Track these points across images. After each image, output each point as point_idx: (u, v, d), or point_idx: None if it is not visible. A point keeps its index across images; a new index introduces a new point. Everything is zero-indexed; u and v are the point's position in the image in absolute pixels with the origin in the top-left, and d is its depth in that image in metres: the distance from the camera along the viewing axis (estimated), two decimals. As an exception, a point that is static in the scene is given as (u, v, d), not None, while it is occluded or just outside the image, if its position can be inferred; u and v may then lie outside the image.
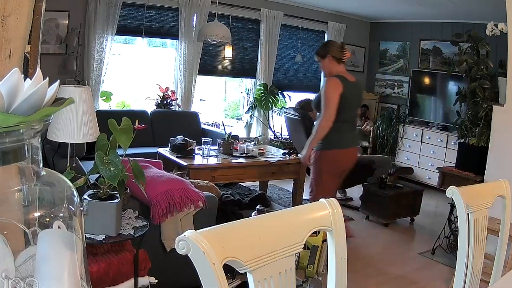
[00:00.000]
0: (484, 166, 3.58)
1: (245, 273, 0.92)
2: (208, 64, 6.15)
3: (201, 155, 4.24)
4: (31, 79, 0.68)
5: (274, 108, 6.63)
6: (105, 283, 2.00)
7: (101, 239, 1.95)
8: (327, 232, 1.12)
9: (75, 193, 0.78)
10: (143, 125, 2.16)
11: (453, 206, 3.65)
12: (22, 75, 0.65)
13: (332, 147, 3.41)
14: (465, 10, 5.56)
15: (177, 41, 5.74)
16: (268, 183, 5.21)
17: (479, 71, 4.09)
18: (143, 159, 2.87)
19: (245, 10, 6.22)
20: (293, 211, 1.17)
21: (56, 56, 4.96)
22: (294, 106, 5.59)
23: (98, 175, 2.01)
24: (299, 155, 4.09)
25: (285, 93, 6.79)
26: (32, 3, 1.33)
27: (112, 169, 1.88)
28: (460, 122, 4.60)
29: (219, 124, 6.09)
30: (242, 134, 6.36)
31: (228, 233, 0.91)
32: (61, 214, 0.75)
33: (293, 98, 6.78)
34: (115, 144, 1.96)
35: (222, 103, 7.82)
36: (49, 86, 0.68)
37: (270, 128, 6.71)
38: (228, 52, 5.68)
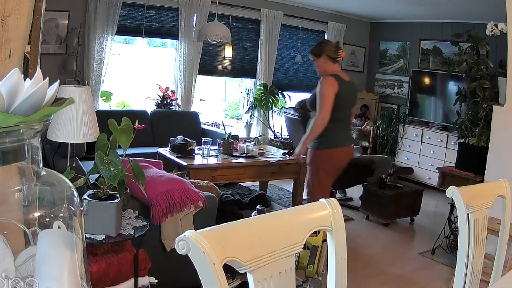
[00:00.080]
0: (484, 166, 3.58)
1: (245, 273, 0.92)
2: (208, 64, 6.15)
3: (201, 155, 4.24)
4: (31, 79, 0.68)
5: (274, 108, 6.63)
6: (105, 283, 2.00)
7: (101, 239, 1.95)
8: (327, 232, 1.12)
9: (75, 193, 0.78)
10: (143, 125, 2.16)
11: (453, 206, 3.65)
12: (22, 75, 0.65)
13: (328, 146, 3.43)
14: (465, 10, 5.56)
15: (177, 41, 5.74)
16: (268, 183, 5.21)
17: (479, 71, 4.09)
18: (143, 159, 2.87)
19: (245, 10, 6.23)
20: (293, 211, 1.17)
21: (56, 56, 4.96)
22: (294, 106, 5.59)
23: (98, 175, 2.01)
24: (293, 152, 4.10)
25: (285, 93, 6.79)
26: (32, 3, 1.33)
27: (112, 169, 1.88)
28: (460, 122, 4.60)
29: (219, 124, 6.09)
30: (242, 134, 6.36)
31: (228, 233, 0.91)
32: (61, 214, 0.75)
33: (293, 98, 6.78)
34: (115, 144, 1.96)
35: (222, 103, 7.82)
36: (49, 86, 0.68)
37: (270, 128, 6.71)
38: (228, 52, 5.69)
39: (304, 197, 4.40)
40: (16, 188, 0.73)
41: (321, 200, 1.13)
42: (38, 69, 0.87)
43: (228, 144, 4.42)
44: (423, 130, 6.44)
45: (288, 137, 6.27)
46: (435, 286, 3.31)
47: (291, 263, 1.01)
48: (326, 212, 1.11)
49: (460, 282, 1.55)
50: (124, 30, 5.42)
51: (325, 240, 2.49)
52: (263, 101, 6.49)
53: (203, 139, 4.40)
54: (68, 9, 4.99)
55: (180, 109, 5.81)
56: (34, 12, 1.35)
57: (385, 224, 4.53)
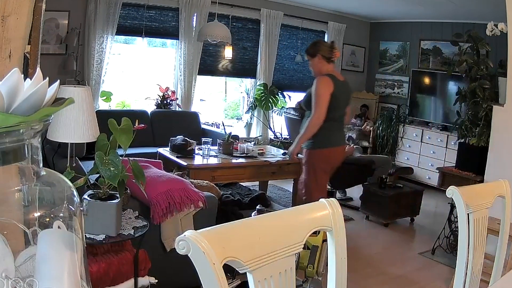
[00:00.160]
0: (484, 166, 3.58)
1: (245, 273, 0.92)
2: (208, 64, 6.15)
3: (201, 155, 4.24)
4: (31, 79, 0.68)
5: (274, 108, 6.63)
6: (105, 283, 2.00)
7: (101, 239, 1.95)
8: (327, 232, 1.12)
9: (75, 193, 0.78)
10: (143, 125, 2.16)
11: (453, 206, 3.65)
12: (22, 75, 0.65)
13: (324, 146, 3.45)
14: (465, 10, 5.56)
15: (177, 41, 5.74)
16: (268, 183, 5.21)
17: (479, 71, 4.09)
18: (143, 159, 2.87)
19: (245, 10, 6.23)
20: (293, 211, 1.17)
21: (56, 56, 4.96)
22: (294, 106, 5.60)
23: (98, 175, 2.01)
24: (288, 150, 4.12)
25: (285, 93, 6.79)
26: (32, 3, 1.33)
27: (112, 169, 1.88)
28: (460, 122, 4.60)
29: (219, 124, 6.09)
30: (242, 134, 6.36)
31: (228, 233, 0.91)
32: (61, 214, 0.75)
33: (293, 98, 6.78)
34: (115, 144, 1.96)
35: (222, 103, 7.82)
36: (49, 86, 0.68)
37: (270, 128, 6.71)
38: (228, 52, 5.68)
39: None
40: (16, 188, 0.73)
41: (321, 200, 1.13)
42: (38, 69, 0.87)
43: (228, 144, 4.42)
44: (423, 130, 6.44)
45: (288, 137, 6.27)
46: (435, 286, 3.31)
47: (291, 263, 1.01)
48: (326, 212, 1.11)
49: (460, 282, 1.55)
50: (124, 30, 5.42)
51: (325, 240, 2.49)
52: (263, 101, 6.49)
53: (203, 139, 4.40)
54: (68, 9, 4.99)
55: (180, 109, 5.81)
56: (34, 12, 1.35)
57: (385, 224, 4.53)
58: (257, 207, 3.16)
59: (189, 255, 0.81)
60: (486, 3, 4.81)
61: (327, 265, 1.14)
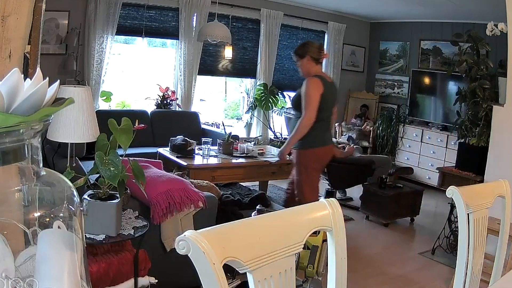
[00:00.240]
0: (484, 166, 3.58)
1: (245, 273, 0.91)
2: (208, 64, 6.15)
3: (201, 155, 4.24)
4: (31, 79, 0.68)
5: (274, 108, 6.63)
6: (105, 283, 2.00)
7: (101, 239, 1.95)
8: (327, 232, 1.12)
9: (75, 193, 0.78)
10: (143, 125, 2.16)
11: (453, 206, 3.65)
12: (22, 75, 0.65)
13: (315, 145, 3.50)
14: (465, 10, 5.56)
15: (177, 41, 5.74)
16: (268, 183, 5.21)
17: (479, 71, 4.09)
18: (143, 159, 2.87)
19: (245, 10, 6.23)
20: (293, 211, 1.17)
21: (56, 56, 4.96)
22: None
23: (98, 175, 2.01)
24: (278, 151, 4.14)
25: (285, 93, 6.79)
26: (32, 3, 1.33)
27: (112, 169, 1.88)
28: (460, 122, 4.60)
29: (219, 124, 6.09)
30: (242, 134, 6.36)
31: (228, 233, 0.91)
32: (61, 214, 0.75)
33: (293, 98, 6.77)
34: (115, 144, 1.96)
35: (222, 103, 7.82)
36: (49, 86, 0.68)
37: (270, 128, 6.71)
38: (228, 52, 5.69)
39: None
40: (16, 188, 0.73)
41: (321, 200, 1.13)
42: (38, 69, 0.87)
43: (228, 144, 4.42)
44: (423, 130, 6.44)
45: (288, 137, 6.26)
46: (435, 286, 3.31)
47: (291, 263, 1.01)
48: (326, 212, 1.11)
49: (460, 282, 1.55)
50: (124, 30, 5.42)
51: (325, 240, 2.49)
52: (263, 101, 6.49)
53: (203, 139, 4.40)
54: (68, 9, 4.99)
55: (180, 109, 5.81)
56: (34, 12, 1.35)
57: (385, 224, 4.53)
58: (257, 207, 3.16)
59: (189, 255, 0.81)
60: (486, 3, 4.81)
61: (327, 265, 1.14)
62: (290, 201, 3.72)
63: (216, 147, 4.47)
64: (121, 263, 2.07)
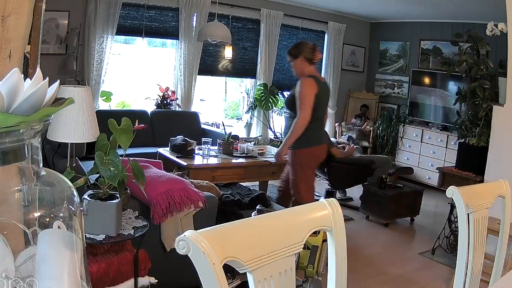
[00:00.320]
0: (484, 166, 3.58)
1: (245, 273, 0.91)
2: (208, 64, 6.15)
3: (201, 155, 4.24)
4: (31, 79, 0.68)
5: (274, 108, 6.63)
6: (105, 283, 2.00)
7: (101, 239, 1.95)
8: (327, 232, 1.12)
9: (75, 193, 0.78)
10: (143, 125, 2.16)
11: (453, 206, 3.65)
12: (22, 75, 0.65)
13: (311, 144, 3.53)
14: (465, 10, 5.56)
15: (177, 41, 5.73)
16: (268, 183, 5.21)
17: (479, 71, 4.10)
18: (143, 159, 2.87)
19: (245, 10, 6.22)
20: (293, 211, 1.17)
21: (56, 56, 4.96)
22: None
23: (98, 175, 2.01)
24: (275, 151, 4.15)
25: (285, 93, 6.78)
26: (32, 3, 1.33)
27: (112, 169, 1.88)
28: (460, 122, 4.60)
29: (219, 124, 6.09)
30: (242, 134, 6.36)
31: (228, 233, 0.91)
32: (61, 214, 0.75)
33: (293, 98, 6.77)
34: (115, 144, 1.96)
35: (222, 103, 7.83)
36: (49, 86, 0.68)
37: (270, 128, 6.71)
38: (228, 52, 5.69)
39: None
40: (16, 188, 0.73)
41: (321, 200, 1.13)
42: (38, 69, 0.87)
43: (228, 144, 4.42)
44: (423, 130, 6.44)
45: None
46: (435, 286, 3.31)
47: (291, 263, 1.01)
48: (326, 212, 1.11)
49: (460, 282, 1.55)
50: (124, 30, 5.42)
51: (325, 240, 2.49)
52: (263, 101, 6.49)
53: (203, 139, 4.40)
54: (68, 9, 4.99)
55: (180, 109, 5.81)
56: (34, 12, 1.35)
57: (385, 224, 4.53)
58: (257, 207, 3.16)
59: (189, 255, 0.81)
60: (486, 3, 4.81)
61: (327, 265, 1.14)
62: (283, 199, 3.74)
63: (216, 147, 4.47)
64: (121, 263, 2.07)
